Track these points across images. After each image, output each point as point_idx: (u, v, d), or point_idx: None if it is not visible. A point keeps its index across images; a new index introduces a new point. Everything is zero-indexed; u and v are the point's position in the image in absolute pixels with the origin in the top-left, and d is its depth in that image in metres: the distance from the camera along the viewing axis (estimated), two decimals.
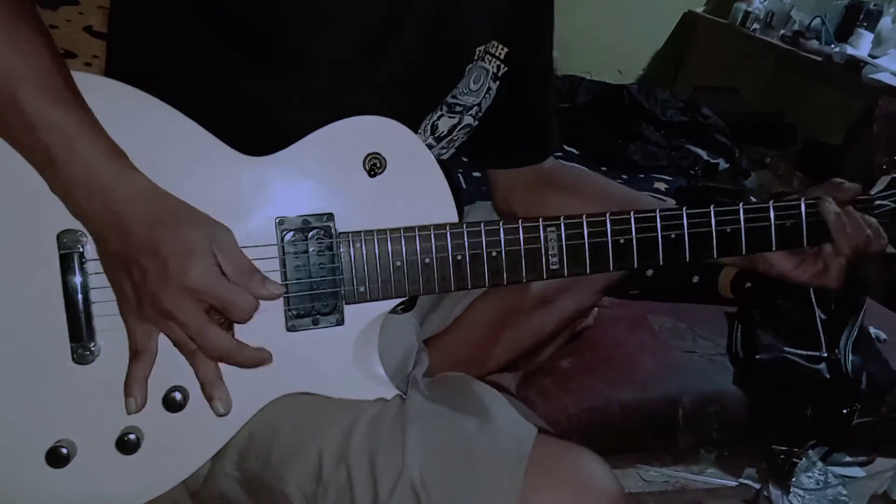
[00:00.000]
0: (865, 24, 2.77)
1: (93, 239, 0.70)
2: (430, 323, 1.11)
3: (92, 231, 0.69)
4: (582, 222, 0.78)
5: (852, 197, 0.88)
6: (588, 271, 0.79)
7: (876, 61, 2.55)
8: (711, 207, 0.82)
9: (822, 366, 1.43)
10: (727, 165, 2.65)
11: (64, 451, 0.72)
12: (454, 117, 0.92)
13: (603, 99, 2.85)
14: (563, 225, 0.78)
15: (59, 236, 0.71)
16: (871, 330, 1.57)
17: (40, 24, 0.68)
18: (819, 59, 2.74)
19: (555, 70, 1.08)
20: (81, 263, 0.71)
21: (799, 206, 0.84)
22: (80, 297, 0.71)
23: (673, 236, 0.81)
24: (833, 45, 2.77)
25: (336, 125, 0.75)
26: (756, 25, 3.15)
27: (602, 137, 2.65)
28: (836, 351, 1.43)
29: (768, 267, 0.91)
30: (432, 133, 0.91)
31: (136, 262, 0.66)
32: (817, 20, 2.89)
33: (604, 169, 2.50)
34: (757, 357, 1.45)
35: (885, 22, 2.79)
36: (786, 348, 1.45)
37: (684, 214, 0.81)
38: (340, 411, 0.76)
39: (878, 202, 0.84)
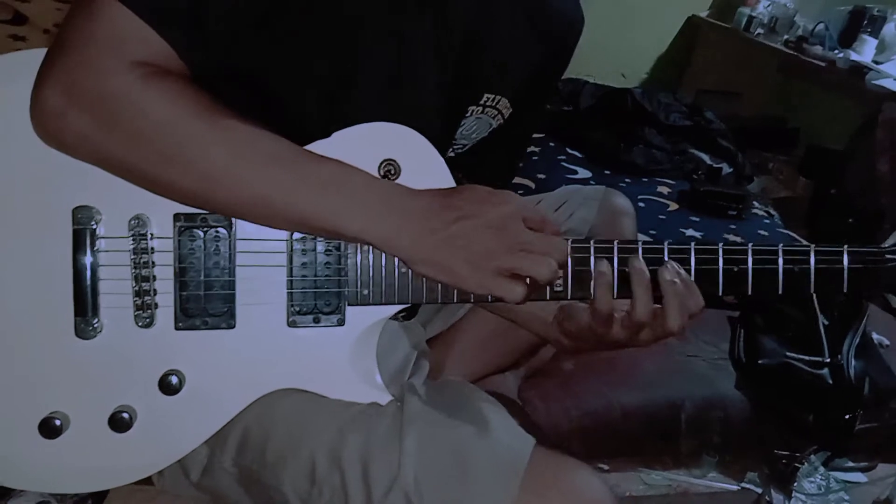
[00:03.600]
0: (869, 30, 2.77)
1: (403, 261, 0.73)
2: (433, 325, 1.12)
3: (407, 257, 0.72)
4: (590, 247, 0.77)
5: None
6: (592, 296, 0.78)
7: (879, 67, 2.55)
8: (692, 244, 0.80)
9: (825, 371, 1.43)
10: (730, 170, 2.65)
11: (57, 422, 0.73)
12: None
13: (606, 102, 2.85)
14: (569, 248, 0.77)
15: (74, 211, 0.73)
16: (874, 336, 1.57)
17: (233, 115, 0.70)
18: (823, 64, 2.74)
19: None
20: (93, 240, 0.73)
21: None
22: (88, 273, 0.73)
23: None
24: (837, 51, 2.78)
25: (353, 129, 0.76)
26: (760, 30, 3.16)
27: (605, 141, 2.65)
28: (839, 357, 1.43)
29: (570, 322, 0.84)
30: None
31: (457, 238, 0.70)
32: (821, 26, 2.89)
33: (607, 172, 2.50)
34: (759, 362, 1.45)
35: (888, 28, 2.79)
36: (788, 353, 1.45)
37: (665, 249, 0.79)
38: (334, 412, 0.76)
39: (889, 255, 0.83)
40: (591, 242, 0.78)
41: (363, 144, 0.75)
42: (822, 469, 1.40)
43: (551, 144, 2.64)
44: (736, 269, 0.79)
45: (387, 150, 0.76)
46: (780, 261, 0.80)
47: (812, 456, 1.41)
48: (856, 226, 2.32)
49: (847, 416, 1.39)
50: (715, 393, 1.45)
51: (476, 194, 0.73)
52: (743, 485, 1.41)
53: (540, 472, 0.70)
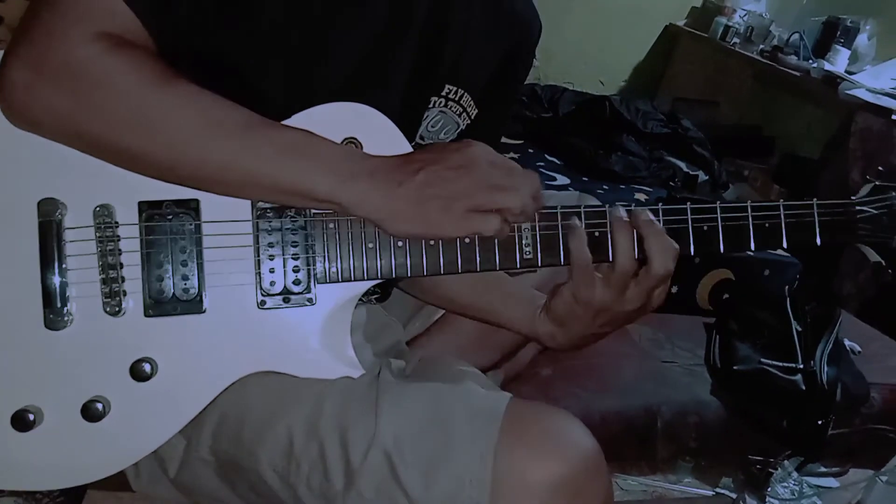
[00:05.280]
0: (842, 40, 2.81)
1: (378, 223, 0.72)
2: (413, 324, 1.12)
3: (381, 217, 0.72)
4: (556, 214, 0.78)
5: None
6: (562, 262, 0.79)
7: (852, 77, 2.59)
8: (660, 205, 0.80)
9: (798, 377, 1.44)
10: (706, 177, 2.68)
11: (30, 416, 0.73)
12: None
13: (585, 109, 2.87)
14: (536, 215, 0.78)
15: (39, 204, 0.72)
16: (846, 342, 1.59)
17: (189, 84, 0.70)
18: (797, 73, 2.78)
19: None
20: (59, 231, 0.73)
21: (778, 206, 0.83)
22: (56, 264, 0.73)
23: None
24: (811, 61, 2.82)
25: (314, 110, 0.76)
26: (736, 40, 3.20)
27: (583, 148, 2.67)
28: (812, 363, 1.44)
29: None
30: None
31: (426, 186, 0.70)
32: (796, 36, 2.93)
33: (585, 179, 2.52)
34: (734, 368, 1.46)
35: (861, 39, 2.83)
36: (763, 359, 1.46)
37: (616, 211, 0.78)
38: (309, 387, 0.76)
39: (859, 207, 0.85)
40: (558, 207, 0.78)
41: (325, 124, 0.75)
42: (795, 474, 1.42)
43: (530, 150, 2.65)
44: (706, 227, 0.80)
45: (348, 128, 0.76)
46: (750, 217, 0.80)
47: (786, 461, 1.42)
48: None
49: (820, 422, 1.41)
50: (691, 398, 1.46)
51: (437, 146, 0.75)
52: (718, 490, 1.42)
53: (519, 417, 0.70)
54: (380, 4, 0.81)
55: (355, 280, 0.77)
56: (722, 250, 0.81)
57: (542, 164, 2.59)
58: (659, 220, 0.79)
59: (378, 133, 0.77)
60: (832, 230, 0.83)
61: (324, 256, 0.76)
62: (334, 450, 0.72)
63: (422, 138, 0.92)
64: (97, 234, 0.73)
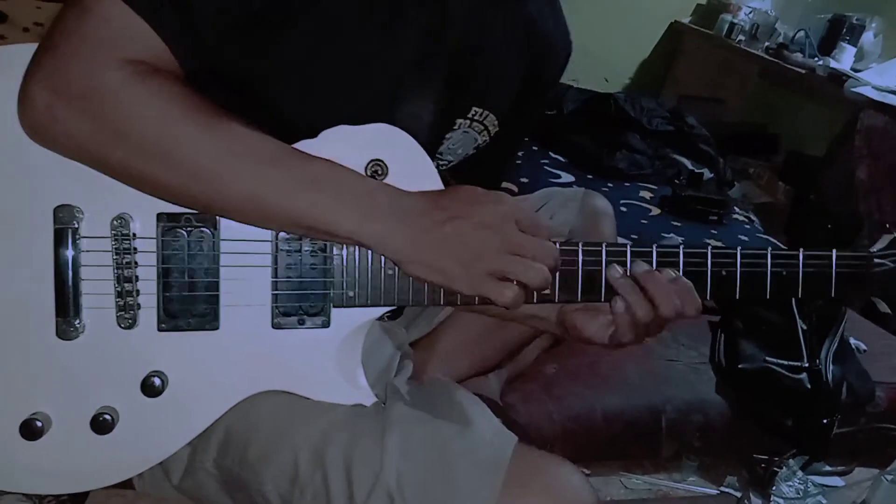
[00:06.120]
0: (848, 38, 2.80)
1: (395, 262, 0.72)
2: (417, 326, 1.12)
3: (400, 258, 0.71)
4: (578, 250, 0.77)
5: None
6: (578, 299, 0.78)
7: (858, 75, 2.59)
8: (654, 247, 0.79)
9: (804, 376, 1.44)
10: (711, 175, 2.67)
11: (38, 424, 0.72)
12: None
13: (589, 107, 2.86)
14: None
15: (55, 210, 0.72)
16: (852, 341, 1.59)
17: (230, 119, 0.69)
18: (803, 71, 2.77)
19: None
20: (75, 239, 0.72)
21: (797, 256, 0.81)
22: (70, 272, 0.72)
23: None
24: (816, 58, 2.81)
25: (341, 129, 0.75)
26: (741, 37, 3.18)
27: (588, 145, 2.66)
28: (817, 361, 1.44)
29: (574, 330, 0.84)
30: None
31: (449, 238, 0.70)
32: (801, 33, 2.92)
33: (589, 177, 2.51)
34: (739, 366, 1.46)
35: (867, 36, 2.82)
36: (767, 358, 1.46)
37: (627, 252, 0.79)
38: (318, 413, 0.76)
39: (877, 260, 0.84)
40: (580, 245, 0.77)
41: (351, 144, 0.74)
42: (800, 473, 1.41)
43: (535, 148, 2.65)
44: (724, 272, 0.79)
45: (374, 150, 0.75)
46: (769, 264, 0.80)
47: (790, 460, 1.42)
48: (834, 232, 2.34)
49: (825, 421, 1.41)
50: (695, 397, 1.46)
51: (469, 194, 0.72)
52: (722, 488, 1.42)
53: (522, 469, 0.70)
54: (411, 32, 0.80)
55: (371, 305, 0.76)
56: (737, 296, 0.80)
57: (546, 161, 2.59)
58: (679, 262, 0.78)
59: (404, 155, 0.75)
60: (848, 283, 0.82)
61: (342, 280, 0.75)
62: (338, 483, 0.72)
63: (440, 154, 0.92)
64: (114, 246, 0.72)
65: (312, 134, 0.74)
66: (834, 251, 0.81)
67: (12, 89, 0.67)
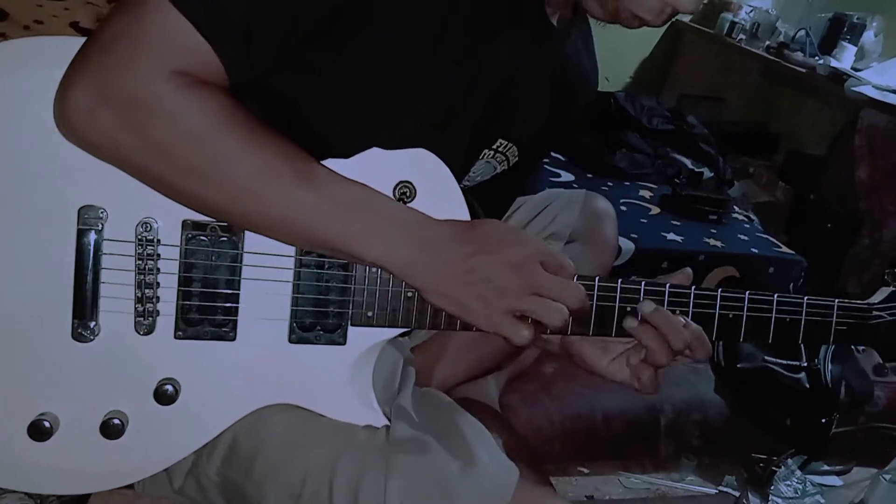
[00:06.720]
0: (849, 37, 2.80)
1: (416, 289, 0.73)
2: (418, 333, 1.12)
3: (420, 286, 0.72)
4: (594, 286, 0.78)
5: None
6: (591, 333, 0.79)
7: (858, 74, 2.58)
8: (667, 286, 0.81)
9: (802, 375, 1.44)
10: (711, 174, 2.66)
11: (46, 424, 0.72)
12: None
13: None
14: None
15: (80, 210, 0.71)
16: None
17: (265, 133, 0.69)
18: (803, 70, 2.77)
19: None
20: (98, 242, 0.71)
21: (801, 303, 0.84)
22: (90, 275, 0.71)
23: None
24: (817, 58, 2.80)
25: (370, 153, 0.75)
26: (742, 36, 3.18)
27: (588, 144, 2.66)
28: (816, 361, 1.44)
29: (580, 359, 0.86)
30: None
31: (473, 273, 0.70)
32: (802, 32, 2.92)
33: (589, 176, 2.51)
34: (738, 366, 1.47)
35: (867, 36, 2.82)
36: (766, 357, 1.46)
37: (642, 289, 0.81)
38: (329, 434, 0.75)
39: (875, 313, 0.85)
40: (596, 281, 0.78)
41: (380, 165, 0.74)
42: (798, 472, 1.42)
43: None
44: (731, 315, 0.81)
45: (403, 172, 0.75)
46: (774, 310, 0.82)
47: (789, 459, 1.42)
48: (834, 231, 2.34)
49: (823, 420, 1.41)
50: (694, 396, 1.46)
51: (497, 231, 0.73)
52: (721, 488, 1.42)
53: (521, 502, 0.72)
54: (457, 70, 0.80)
55: (389, 326, 0.77)
56: (741, 339, 0.83)
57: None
58: (689, 303, 0.80)
59: (432, 179, 0.75)
60: (846, 333, 0.85)
61: (362, 300, 0.76)
62: None
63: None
64: (137, 251, 0.72)
65: (344, 154, 0.74)
66: (836, 301, 0.84)
67: (43, 81, 0.66)
